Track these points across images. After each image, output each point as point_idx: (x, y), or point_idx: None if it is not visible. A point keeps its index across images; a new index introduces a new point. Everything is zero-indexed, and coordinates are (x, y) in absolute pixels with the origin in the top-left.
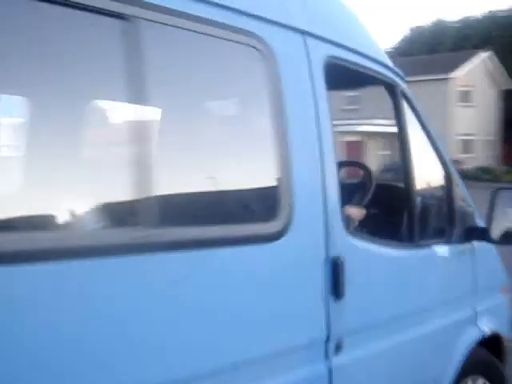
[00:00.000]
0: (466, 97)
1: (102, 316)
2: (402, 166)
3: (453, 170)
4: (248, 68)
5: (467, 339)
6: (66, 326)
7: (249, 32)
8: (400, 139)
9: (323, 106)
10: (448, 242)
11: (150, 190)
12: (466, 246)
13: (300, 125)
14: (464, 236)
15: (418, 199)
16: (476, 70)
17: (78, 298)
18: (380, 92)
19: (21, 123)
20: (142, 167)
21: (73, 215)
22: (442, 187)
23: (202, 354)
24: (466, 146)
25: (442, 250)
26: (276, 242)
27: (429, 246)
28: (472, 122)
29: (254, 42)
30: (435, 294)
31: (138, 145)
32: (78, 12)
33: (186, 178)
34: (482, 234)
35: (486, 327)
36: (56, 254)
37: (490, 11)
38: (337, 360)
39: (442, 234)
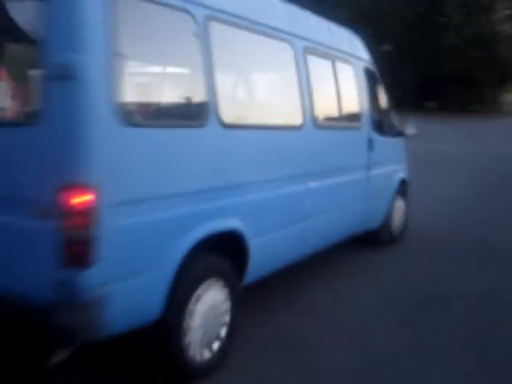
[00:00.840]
0: None
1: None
2: (378, 106)
3: (391, 108)
4: (351, 72)
5: (399, 177)
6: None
7: (350, 61)
8: (373, 94)
9: (366, 83)
10: (392, 135)
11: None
12: (396, 139)
13: (362, 90)
14: (396, 134)
15: (385, 119)
16: None
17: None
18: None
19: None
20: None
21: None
22: (389, 114)
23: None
24: None
25: (383, 139)
26: (360, 130)
27: (387, 136)
28: None
29: (351, 63)
30: (390, 156)
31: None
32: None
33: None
34: (402, 133)
35: (402, 175)
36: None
37: None
38: (369, 173)
39: (390, 133)
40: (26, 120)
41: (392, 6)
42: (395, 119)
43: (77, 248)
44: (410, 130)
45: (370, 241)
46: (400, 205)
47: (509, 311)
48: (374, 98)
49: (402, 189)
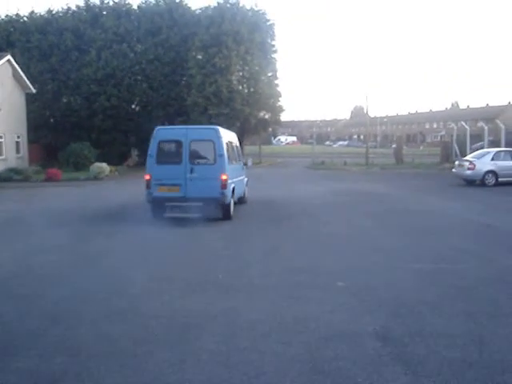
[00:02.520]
0: None
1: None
2: (242, 154)
3: (243, 159)
4: (236, 146)
5: (246, 179)
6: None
7: (231, 142)
8: (241, 150)
9: (238, 147)
10: (245, 164)
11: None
12: (244, 166)
13: (239, 150)
14: (245, 164)
15: (242, 159)
16: (0, 73)
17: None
18: None
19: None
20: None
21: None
22: (242, 157)
23: None
24: None
25: (244, 166)
26: (241, 163)
27: (244, 166)
28: (0, 124)
29: (231, 142)
30: (244, 172)
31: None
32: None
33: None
34: (245, 165)
35: (247, 179)
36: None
37: (8, 15)
38: (242, 177)
39: (244, 163)
40: (213, 163)
41: (140, 67)
42: (243, 158)
43: (223, 185)
44: (249, 163)
45: (240, 202)
46: (246, 190)
47: (278, 208)
48: (241, 151)
49: (247, 183)
